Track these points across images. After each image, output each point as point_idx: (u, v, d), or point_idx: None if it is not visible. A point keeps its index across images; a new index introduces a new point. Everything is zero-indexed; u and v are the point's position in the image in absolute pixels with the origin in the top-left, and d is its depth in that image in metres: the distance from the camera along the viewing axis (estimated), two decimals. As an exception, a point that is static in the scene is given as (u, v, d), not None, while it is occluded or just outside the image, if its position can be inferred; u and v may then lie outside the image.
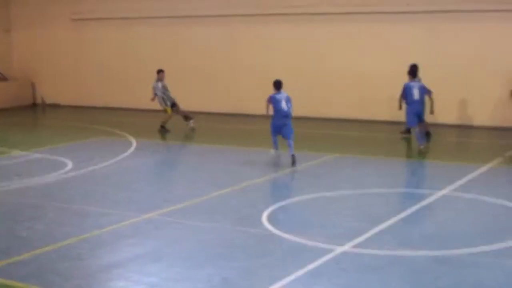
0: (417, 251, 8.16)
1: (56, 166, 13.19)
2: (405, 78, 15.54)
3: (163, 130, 17.63)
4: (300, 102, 19.02)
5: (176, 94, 17.99)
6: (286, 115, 13.52)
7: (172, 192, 11.75)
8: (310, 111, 19.60)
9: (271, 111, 13.70)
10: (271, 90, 13.71)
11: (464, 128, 18.03)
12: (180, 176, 13.64)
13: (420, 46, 18.33)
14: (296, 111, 17.67)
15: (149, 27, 22.16)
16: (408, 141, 16.25)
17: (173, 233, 9.09)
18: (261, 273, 7.52)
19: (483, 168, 12.70)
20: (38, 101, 24.60)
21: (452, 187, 11.24)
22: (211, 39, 21.17)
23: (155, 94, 17.66)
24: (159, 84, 17.64)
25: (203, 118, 18.36)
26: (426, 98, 15.07)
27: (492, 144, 16.12)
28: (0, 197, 11.03)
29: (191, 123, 17.85)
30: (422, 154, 14.40)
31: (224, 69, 21.07)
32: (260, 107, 13.96)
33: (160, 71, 17.78)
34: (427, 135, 15.85)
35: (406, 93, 15.05)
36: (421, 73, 15.62)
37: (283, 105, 13.47)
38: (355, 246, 8.31)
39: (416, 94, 14.85)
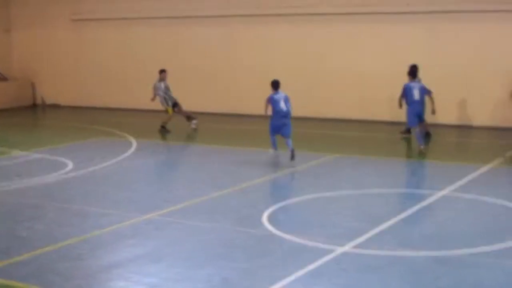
0: (417, 251, 8.16)
1: (56, 167, 13.19)
2: (405, 79, 15.53)
3: (164, 131, 17.62)
4: (300, 103, 19.04)
5: (176, 94, 17.99)
6: (285, 115, 13.56)
7: (172, 192, 11.75)
8: (310, 111, 19.61)
9: (269, 112, 13.72)
10: (270, 91, 13.73)
11: (464, 128, 18.03)
12: (180, 176, 13.64)
13: (420, 46, 18.34)
14: (296, 112, 17.67)
15: (149, 27, 22.16)
16: (408, 141, 16.26)
17: (173, 233, 9.09)
18: (261, 274, 7.52)
19: (483, 169, 12.70)
20: (38, 101, 24.60)
21: (452, 187, 11.24)
22: (211, 40, 21.18)
23: (158, 94, 17.65)
24: (162, 84, 17.64)
25: (203, 118, 18.36)
26: (427, 98, 15.08)
27: (492, 144, 16.12)
28: (0, 197, 11.03)
29: (194, 123, 17.85)
30: (422, 155, 14.40)
31: (224, 70, 21.07)
32: (260, 107, 13.96)
33: (162, 71, 17.79)
34: (427, 135, 15.87)
35: (406, 94, 15.08)
36: (421, 73, 15.62)
37: (282, 105, 13.51)
38: (355, 247, 8.30)
39: (416, 94, 14.87)
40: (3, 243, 8.77)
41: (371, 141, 16.57)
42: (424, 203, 10.41)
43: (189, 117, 17.98)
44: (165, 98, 17.65)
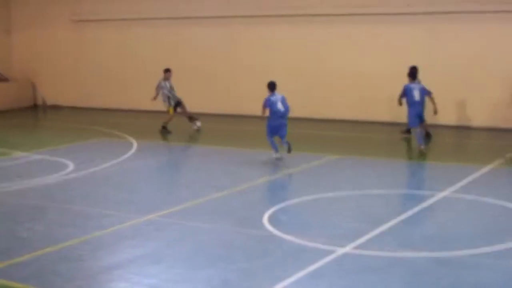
0: (417, 252, 8.16)
1: (57, 167, 13.20)
2: (404, 79, 15.58)
3: (164, 131, 17.63)
4: (300, 103, 19.08)
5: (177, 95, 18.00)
6: (283, 115, 13.64)
7: (173, 193, 11.76)
8: (310, 112, 19.62)
9: (267, 113, 13.76)
10: (267, 92, 13.77)
11: (464, 129, 18.03)
12: (180, 177, 13.65)
13: (420, 47, 18.34)
14: (296, 112, 17.70)
15: (149, 28, 22.18)
16: (408, 141, 16.26)
17: (173, 234, 9.09)
18: (262, 275, 7.52)
19: (484, 169, 12.70)
20: (39, 102, 24.61)
21: (452, 188, 11.24)
22: (211, 40, 21.19)
23: (163, 93, 17.63)
24: (167, 83, 17.67)
25: (203, 119, 18.35)
26: (427, 99, 15.12)
27: (492, 145, 16.13)
28: (1, 198, 11.03)
29: (197, 125, 17.84)
30: (422, 155, 14.41)
31: (224, 70, 21.09)
32: (260, 108, 13.99)
33: (167, 70, 17.81)
34: (428, 136, 15.89)
35: (406, 95, 15.15)
36: (421, 74, 15.64)
37: (279, 105, 13.59)
38: (355, 247, 8.31)
39: (416, 95, 14.94)
40: (3, 244, 8.78)
41: (371, 142, 16.57)
42: (425, 204, 10.41)
43: (191, 117, 17.98)
44: (168, 97, 17.64)
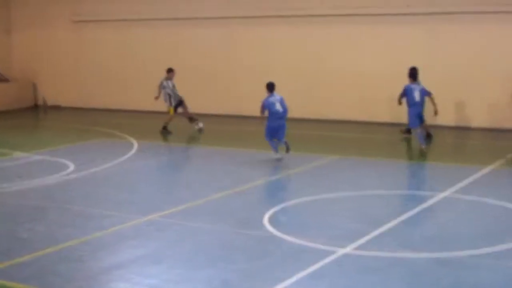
0: (418, 253, 8.16)
1: (57, 168, 13.21)
2: (405, 80, 15.61)
3: (165, 132, 17.64)
4: (300, 104, 19.10)
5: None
6: (282, 116, 13.68)
7: (173, 194, 11.76)
8: (310, 113, 19.63)
9: (266, 114, 13.81)
10: (266, 93, 13.79)
11: (465, 130, 18.03)
12: (181, 178, 13.66)
13: (420, 47, 18.35)
14: (296, 113, 17.71)
15: (149, 29, 22.19)
16: (408, 142, 16.26)
17: (174, 235, 9.10)
18: (262, 275, 7.53)
19: (484, 170, 12.70)
20: (40, 102, 24.61)
21: (453, 188, 11.24)
22: (211, 41, 21.20)
23: (165, 93, 17.64)
24: (169, 83, 17.68)
25: (203, 119, 18.34)
26: (427, 99, 15.17)
27: (492, 146, 16.13)
28: (1, 198, 11.03)
29: (199, 125, 17.84)
30: (423, 154, 14.42)
31: (224, 71, 21.09)
32: (259, 108, 14.04)
33: (170, 70, 17.82)
34: (428, 136, 15.91)
35: (407, 95, 15.25)
36: (421, 74, 15.67)
37: (278, 106, 13.64)
38: (356, 248, 8.31)
39: (417, 96, 15.06)
40: (4, 244, 8.78)
41: (371, 142, 16.57)
42: (425, 205, 10.41)
43: (191, 118, 17.98)
44: (169, 96, 17.63)
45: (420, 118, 15.08)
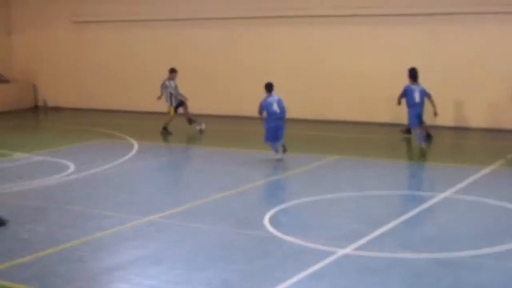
0: (418, 253, 8.17)
1: (58, 169, 13.22)
2: (405, 80, 15.63)
3: (165, 132, 17.65)
4: (300, 104, 19.12)
5: (177, 96, 18.05)
6: (280, 117, 13.70)
7: (173, 194, 11.77)
8: (310, 113, 19.64)
9: (264, 114, 13.85)
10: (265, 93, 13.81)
11: (465, 130, 18.03)
12: (181, 178, 13.66)
13: (420, 48, 18.35)
14: (296, 113, 17.73)
15: (149, 29, 22.19)
16: (408, 142, 16.27)
17: (174, 235, 9.10)
18: (262, 276, 7.53)
19: (485, 170, 12.71)
20: (40, 103, 24.63)
21: (453, 189, 11.24)
22: (211, 41, 21.20)
23: (167, 92, 17.64)
24: (172, 83, 17.69)
25: (203, 120, 18.36)
26: (426, 100, 15.23)
27: (493, 146, 16.13)
28: (2, 199, 11.03)
29: (201, 125, 17.84)
30: (423, 153, 14.46)
31: (224, 72, 21.10)
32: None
33: (173, 70, 17.83)
34: (428, 137, 15.92)
35: (407, 96, 15.31)
36: (421, 74, 15.68)
37: (275, 107, 13.67)
38: (356, 249, 8.31)
39: (417, 97, 15.16)
40: (5, 245, 8.79)
41: (371, 143, 16.58)
42: (425, 205, 10.41)
43: (190, 120, 17.99)
44: (171, 96, 17.63)
45: (419, 118, 15.15)
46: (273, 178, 12.84)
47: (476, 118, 18.07)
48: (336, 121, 19.38)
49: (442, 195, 10.90)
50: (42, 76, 24.45)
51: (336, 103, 19.55)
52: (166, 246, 8.66)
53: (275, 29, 20.25)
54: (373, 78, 18.89)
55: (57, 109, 23.95)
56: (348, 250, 8.25)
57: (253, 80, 19.98)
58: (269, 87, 13.96)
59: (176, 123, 17.85)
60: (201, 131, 17.82)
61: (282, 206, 10.47)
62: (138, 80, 22.32)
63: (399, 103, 15.68)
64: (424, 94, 15.19)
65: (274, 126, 13.71)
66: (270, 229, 9.13)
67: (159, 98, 17.86)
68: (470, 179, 11.98)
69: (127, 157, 14.50)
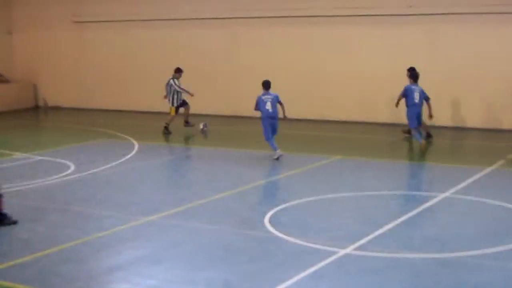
0: (418, 253, 8.17)
1: (58, 169, 13.22)
2: (405, 80, 15.64)
3: (167, 132, 17.66)
4: (301, 104, 19.12)
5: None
6: (272, 116, 13.78)
7: (174, 194, 11.77)
8: (311, 113, 19.64)
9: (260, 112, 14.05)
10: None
11: (465, 130, 18.04)
12: (181, 178, 13.66)
13: (420, 48, 18.36)
14: (297, 113, 17.73)
15: (150, 29, 22.18)
16: (409, 142, 16.27)
17: (174, 235, 9.10)
18: (262, 276, 7.53)
19: (485, 171, 12.71)
20: (41, 103, 24.63)
21: (453, 189, 11.24)
22: (211, 42, 21.21)
23: (170, 91, 17.63)
24: (176, 82, 17.69)
25: (204, 120, 18.34)
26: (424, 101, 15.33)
27: (493, 146, 16.12)
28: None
29: (204, 127, 17.84)
30: (423, 153, 14.50)
31: (225, 72, 21.10)
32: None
33: (179, 70, 17.83)
34: (429, 136, 15.98)
35: (407, 96, 15.32)
36: (421, 75, 15.69)
37: (268, 106, 13.80)
38: (356, 249, 8.31)
39: (417, 97, 15.25)
40: (4, 245, 8.79)
41: (372, 143, 16.58)
42: (425, 205, 10.41)
43: (187, 122, 17.97)
44: (175, 94, 17.62)
45: (418, 118, 15.21)
46: (274, 178, 12.84)
47: (476, 118, 18.07)
48: (336, 121, 19.38)
49: (442, 195, 10.90)
50: (43, 76, 24.46)
51: (336, 103, 19.55)
52: (166, 246, 8.66)
53: (275, 30, 20.25)
54: (373, 78, 18.90)
55: (57, 109, 23.95)
56: (348, 250, 8.25)
57: (253, 80, 19.94)
58: (265, 85, 14.08)
59: (176, 123, 17.85)
60: (203, 131, 17.80)
61: (283, 206, 10.46)
62: (138, 80, 22.33)
63: (397, 105, 15.64)
64: (424, 95, 15.25)
65: (268, 124, 13.85)
66: (271, 229, 9.13)
67: (165, 97, 17.87)
68: (470, 180, 11.98)
69: (127, 157, 14.50)
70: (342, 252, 8.19)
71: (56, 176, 12.57)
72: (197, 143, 17.10)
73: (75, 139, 17.00)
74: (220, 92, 21.18)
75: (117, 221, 9.61)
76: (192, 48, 21.48)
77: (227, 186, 11.70)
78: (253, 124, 17.01)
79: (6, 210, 9.62)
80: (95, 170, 13.08)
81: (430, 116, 15.35)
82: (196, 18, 21.26)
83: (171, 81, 17.70)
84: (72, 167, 13.29)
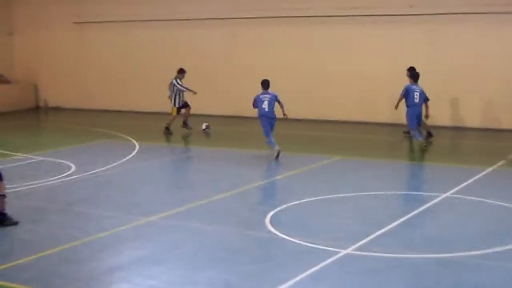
0: (419, 253, 8.17)
1: (59, 169, 13.23)
2: (405, 80, 15.65)
3: (168, 132, 17.67)
4: (301, 104, 19.13)
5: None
6: (268, 115, 13.84)
7: (174, 195, 11.77)
8: (311, 113, 19.65)
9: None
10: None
11: (465, 130, 18.04)
12: (182, 179, 13.67)
13: (420, 48, 18.37)
14: (297, 114, 17.73)
15: (150, 30, 22.20)
16: (409, 142, 16.27)
17: (175, 236, 9.10)
18: (263, 276, 7.54)
19: (485, 171, 12.71)
20: (41, 104, 24.65)
21: (454, 189, 11.24)
22: (211, 42, 21.22)
23: (175, 90, 17.63)
24: (179, 81, 17.70)
25: (204, 120, 18.37)
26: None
27: (493, 147, 16.12)
28: (3, 200, 11.03)
29: (207, 128, 17.86)
30: (423, 153, 14.51)
31: (225, 72, 21.12)
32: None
33: (183, 71, 17.84)
34: (429, 135, 16.00)
35: (407, 96, 15.31)
36: (421, 75, 15.69)
37: (264, 105, 13.90)
38: (357, 249, 8.32)
39: (417, 97, 15.21)
40: (5, 246, 8.80)
41: (372, 143, 16.59)
42: (426, 205, 10.41)
43: (186, 124, 17.97)
44: (179, 94, 17.63)
45: (418, 119, 15.20)
46: (274, 179, 12.85)
47: (476, 118, 18.09)
48: (336, 121, 19.38)
49: (442, 196, 10.90)
50: (43, 76, 24.48)
51: (336, 103, 19.56)
52: (167, 246, 8.67)
53: (275, 30, 20.26)
54: (373, 78, 18.91)
55: (58, 110, 23.97)
56: (349, 250, 8.25)
57: (253, 80, 19.94)
58: (264, 84, 14.17)
59: (177, 124, 17.86)
60: (205, 132, 17.81)
61: (283, 206, 10.46)
62: (139, 81, 22.35)
63: (397, 107, 15.59)
64: (424, 95, 15.24)
65: (266, 123, 13.99)
66: (271, 229, 9.14)
67: (169, 97, 17.89)
68: (471, 180, 11.98)
69: (128, 157, 14.50)
70: (342, 252, 8.19)
71: (57, 177, 12.58)
72: (198, 144, 17.12)
73: (76, 140, 17.02)
74: (220, 92, 21.19)
75: (118, 222, 9.61)
76: (192, 48, 21.49)
77: (227, 187, 11.70)
78: (253, 124, 17.00)
79: (7, 210, 9.62)
80: (96, 171, 13.09)
81: (426, 117, 15.42)
82: (196, 19, 21.28)
83: (174, 81, 17.71)
84: (73, 168, 13.30)
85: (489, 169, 12.85)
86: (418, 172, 13.85)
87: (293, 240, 8.67)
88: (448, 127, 18.07)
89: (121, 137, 17.33)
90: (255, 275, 7.59)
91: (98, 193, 11.61)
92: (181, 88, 17.64)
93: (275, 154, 13.84)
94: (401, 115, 16.19)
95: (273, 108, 14.03)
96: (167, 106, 18.03)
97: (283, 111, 14.20)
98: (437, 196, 10.86)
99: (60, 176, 12.66)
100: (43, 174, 12.86)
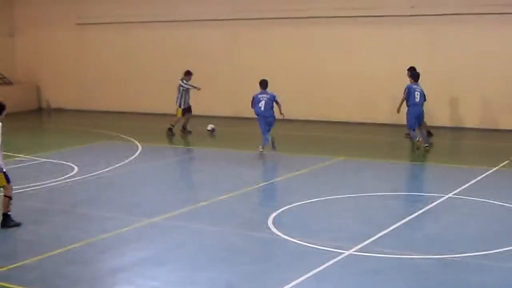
0: (421, 254, 8.19)
1: (61, 170, 13.25)
2: (405, 81, 15.65)
3: (171, 133, 17.69)
4: (302, 105, 19.15)
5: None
6: (264, 115, 13.93)
7: (177, 196, 11.79)
8: (312, 114, 19.66)
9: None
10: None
11: (466, 131, 18.04)
12: (184, 180, 13.69)
13: (420, 48, 18.37)
14: (298, 114, 17.75)
15: (152, 31, 22.20)
16: (410, 143, 16.26)
17: (177, 237, 9.13)
18: (266, 277, 7.56)
19: (488, 171, 12.71)
20: (44, 105, 24.67)
21: (456, 190, 11.25)
22: (212, 43, 21.23)
23: (182, 91, 17.64)
24: (185, 82, 17.73)
25: (205, 121, 18.39)
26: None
27: (494, 147, 16.13)
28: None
29: (212, 130, 17.88)
30: (426, 151, 14.57)
31: (225, 73, 21.13)
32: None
33: (189, 73, 17.86)
34: (429, 134, 16.02)
35: (408, 96, 15.24)
36: (421, 75, 15.68)
37: (260, 105, 14.08)
38: (359, 250, 8.33)
39: (418, 97, 15.13)
40: (9, 247, 8.83)
41: (373, 144, 16.59)
42: (428, 206, 10.42)
43: (185, 129, 17.98)
44: (185, 95, 17.67)
45: (419, 119, 15.10)
46: (276, 180, 12.87)
47: (475, 118, 18.09)
48: (336, 121, 19.38)
49: (445, 196, 10.91)
50: (45, 78, 24.51)
51: (336, 103, 19.57)
52: (169, 247, 8.69)
53: (276, 30, 20.27)
54: (374, 78, 18.92)
55: (60, 111, 23.99)
56: (351, 251, 8.27)
57: (253, 81, 19.94)
58: (262, 84, 14.28)
59: (177, 126, 17.86)
60: (210, 132, 17.82)
61: (285, 207, 10.48)
62: (140, 81, 22.36)
63: (399, 111, 15.46)
64: (423, 96, 15.20)
65: (262, 122, 14.20)
66: (274, 230, 9.15)
67: (177, 99, 17.92)
68: (474, 180, 11.99)
69: (130, 158, 14.53)
70: (345, 253, 8.21)
71: (60, 178, 12.60)
72: (199, 145, 17.13)
73: (78, 141, 17.04)
74: (221, 93, 21.20)
75: (120, 223, 9.64)
76: (192, 49, 21.51)
77: (229, 188, 11.72)
78: (254, 124, 17.01)
79: (10, 212, 9.64)
80: (98, 172, 13.11)
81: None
82: (196, 20, 21.29)
83: (181, 82, 17.74)
84: (76, 169, 13.32)
85: (491, 170, 12.84)
86: (419, 172, 13.86)
87: (295, 241, 8.69)
88: (447, 127, 18.07)
89: (123, 138, 17.35)
90: (257, 275, 7.61)
91: (101, 194, 11.64)
92: (186, 86, 17.65)
93: (270, 144, 13.97)
94: (401, 115, 16.17)
95: (270, 107, 14.15)
96: (167, 107, 18.05)
97: (280, 110, 14.31)
98: (439, 197, 10.87)
99: (62, 177, 12.68)
100: (46, 175, 12.88)
